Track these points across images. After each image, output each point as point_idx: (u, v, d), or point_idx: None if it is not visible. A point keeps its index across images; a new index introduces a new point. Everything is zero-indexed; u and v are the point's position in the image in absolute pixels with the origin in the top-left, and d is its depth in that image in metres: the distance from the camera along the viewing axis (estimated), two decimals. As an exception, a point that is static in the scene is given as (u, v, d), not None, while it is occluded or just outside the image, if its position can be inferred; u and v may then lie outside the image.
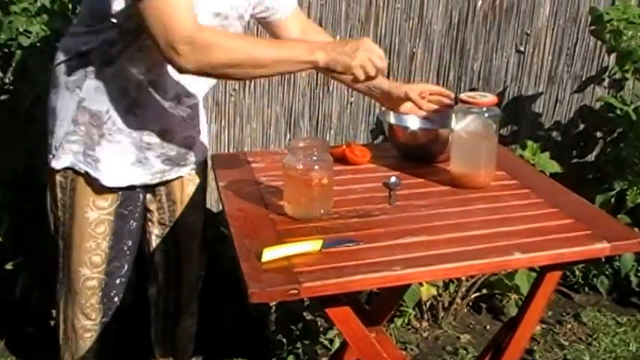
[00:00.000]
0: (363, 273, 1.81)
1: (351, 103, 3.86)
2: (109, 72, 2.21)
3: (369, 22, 3.76)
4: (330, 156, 2.16)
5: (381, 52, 2.15)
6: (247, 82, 3.62)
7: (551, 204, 2.27)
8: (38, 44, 2.95)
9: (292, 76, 3.72)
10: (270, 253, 1.83)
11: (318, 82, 3.79)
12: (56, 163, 2.30)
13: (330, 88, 3.79)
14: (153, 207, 2.55)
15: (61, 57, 2.29)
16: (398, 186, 2.34)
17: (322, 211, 2.13)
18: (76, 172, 2.29)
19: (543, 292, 2.17)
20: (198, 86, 2.36)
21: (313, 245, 1.90)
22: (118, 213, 2.37)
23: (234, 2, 2.29)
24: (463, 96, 2.36)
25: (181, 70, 2.05)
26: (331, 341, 3.36)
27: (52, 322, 3.45)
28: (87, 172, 2.27)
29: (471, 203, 2.28)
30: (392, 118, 2.70)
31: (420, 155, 2.61)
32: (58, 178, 2.33)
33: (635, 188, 3.76)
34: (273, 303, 3.32)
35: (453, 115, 2.37)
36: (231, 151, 3.71)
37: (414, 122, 2.70)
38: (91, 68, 2.22)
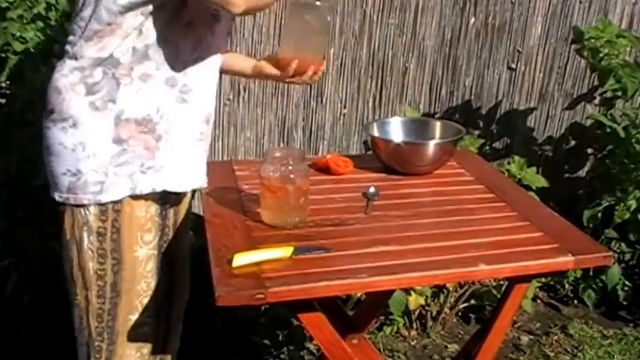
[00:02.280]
0: (329, 280, 1.87)
1: (344, 115, 3.93)
2: (149, 66, 2.09)
3: (363, 37, 3.82)
4: (306, 165, 2.21)
5: None
6: (242, 91, 3.71)
7: (523, 217, 2.32)
8: (32, 50, 2.99)
9: (286, 87, 3.78)
10: (241, 259, 1.89)
11: (312, 93, 3.85)
12: (108, 196, 2.10)
13: (324, 100, 3.86)
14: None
15: (73, 81, 2.08)
16: (376, 196, 2.41)
17: (297, 219, 2.18)
18: (125, 201, 2.12)
19: (511, 303, 2.20)
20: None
21: (284, 252, 1.96)
22: (159, 246, 2.27)
23: None
24: None
25: (238, 13, 1.99)
26: (319, 348, 3.41)
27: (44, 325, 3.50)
28: (153, 190, 2.15)
29: (445, 215, 2.34)
30: (375, 131, 2.77)
31: (402, 167, 2.67)
32: (95, 222, 2.13)
33: (622, 204, 3.81)
34: (263, 308, 3.38)
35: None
36: (224, 158, 3.76)
37: (397, 135, 2.77)
38: (121, 72, 2.07)
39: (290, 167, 2.15)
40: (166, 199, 2.27)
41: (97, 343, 2.25)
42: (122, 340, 2.26)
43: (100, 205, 2.11)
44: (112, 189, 2.10)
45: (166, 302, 2.51)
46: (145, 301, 2.26)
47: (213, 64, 2.25)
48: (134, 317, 2.25)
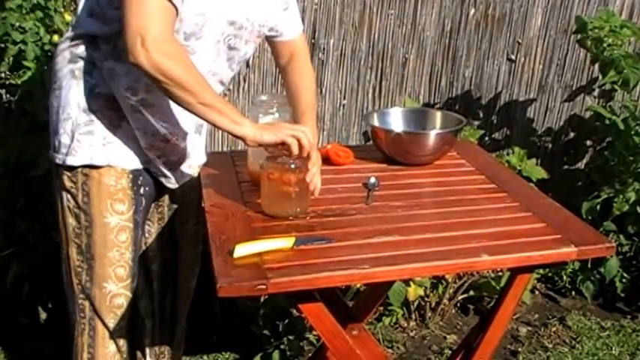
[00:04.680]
0: (331, 270, 1.87)
1: (343, 105, 3.92)
2: (120, 68, 2.14)
3: (363, 28, 3.81)
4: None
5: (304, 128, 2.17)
6: (242, 82, 3.70)
7: (525, 208, 2.32)
8: (31, 40, 2.99)
9: (286, 78, 3.77)
10: (242, 249, 1.89)
11: (312, 84, 3.83)
12: (73, 160, 2.18)
13: (323, 90, 3.85)
14: (154, 214, 2.51)
15: (63, 47, 2.22)
16: (377, 187, 2.40)
17: (298, 209, 2.18)
18: (94, 167, 2.19)
19: (513, 294, 2.20)
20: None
21: (285, 242, 1.95)
22: (134, 220, 2.30)
23: (251, 14, 2.27)
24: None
25: (134, 61, 1.95)
26: (318, 339, 3.41)
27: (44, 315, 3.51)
28: (108, 164, 2.20)
29: (446, 205, 2.34)
30: (375, 121, 2.76)
31: (402, 157, 2.66)
32: (67, 181, 2.23)
33: (621, 196, 3.81)
34: (262, 299, 3.38)
35: (250, 115, 2.33)
36: (225, 149, 3.76)
37: (397, 125, 2.76)
38: (98, 56, 2.16)
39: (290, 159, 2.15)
40: (138, 176, 2.30)
41: (80, 301, 2.33)
42: (100, 306, 2.31)
43: (70, 167, 2.20)
44: (75, 154, 2.18)
45: (169, 284, 2.58)
46: (120, 271, 2.29)
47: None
48: (108, 286, 2.29)
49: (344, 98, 3.91)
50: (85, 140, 2.17)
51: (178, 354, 2.77)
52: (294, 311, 3.30)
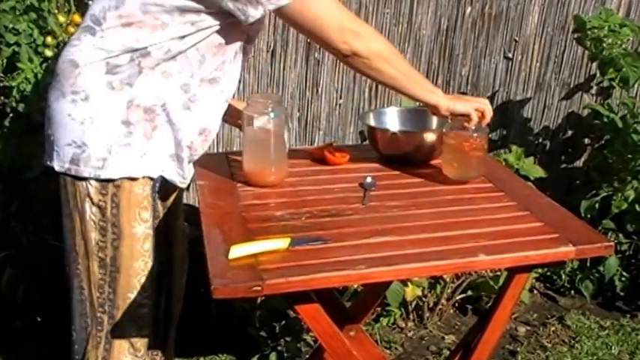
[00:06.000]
0: (327, 271, 1.85)
1: (339, 105, 3.91)
2: (173, 67, 2.17)
3: (359, 26, 3.79)
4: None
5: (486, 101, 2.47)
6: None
7: (522, 207, 2.30)
8: (25, 41, 2.98)
9: (281, 77, 3.78)
10: (237, 250, 1.87)
11: (307, 84, 3.84)
12: (109, 173, 2.16)
13: (319, 90, 3.84)
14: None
15: (97, 56, 2.14)
16: (373, 187, 2.39)
17: (476, 173, 2.46)
18: (128, 179, 2.18)
19: (512, 294, 2.18)
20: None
21: (281, 243, 1.93)
22: (152, 226, 2.28)
23: None
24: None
25: (351, 53, 2.19)
26: (316, 340, 3.40)
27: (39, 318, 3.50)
28: (145, 175, 2.21)
29: (443, 205, 2.32)
30: (372, 121, 2.75)
31: (399, 157, 2.64)
32: (95, 195, 2.19)
33: (620, 194, 3.80)
34: (259, 300, 3.37)
35: (245, 115, 2.37)
36: (220, 150, 3.75)
37: (393, 124, 2.75)
38: (147, 63, 2.14)
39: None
40: (156, 182, 2.28)
41: (98, 314, 2.29)
42: (122, 318, 2.29)
43: (100, 180, 2.17)
44: (113, 167, 2.15)
45: (164, 282, 2.53)
46: (143, 280, 2.28)
47: (225, 86, 2.30)
48: (133, 296, 2.27)
49: (340, 98, 3.90)
50: (124, 153, 2.16)
51: (171, 353, 2.74)
52: (291, 312, 3.29)
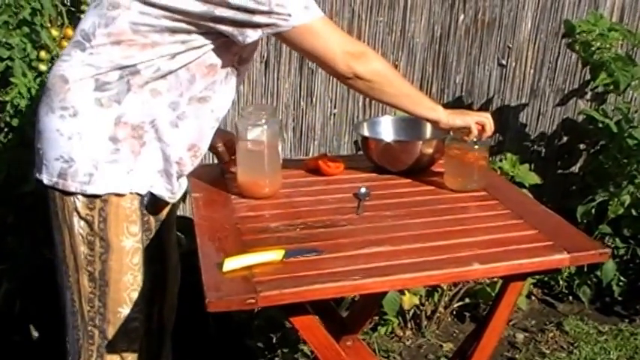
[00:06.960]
0: (322, 282, 1.85)
1: (334, 115, 3.91)
2: (162, 85, 2.18)
3: (352, 35, 3.75)
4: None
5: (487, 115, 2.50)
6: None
7: (516, 215, 2.30)
8: (18, 55, 2.98)
9: (275, 87, 3.78)
10: (231, 263, 1.87)
11: (302, 93, 3.84)
12: (95, 189, 2.16)
13: (314, 100, 3.84)
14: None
15: (86, 73, 2.14)
16: (367, 197, 2.39)
17: (476, 185, 2.48)
18: (115, 194, 2.19)
19: (507, 302, 2.18)
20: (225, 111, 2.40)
21: (275, 255, 1.93)
22: (142, 240, 2.28)
23: None
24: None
25: (353, 75, 2.25)
26: (313, 351, 3.40)
27: (36, 332, 3.48)
28: (131, 191, 2.20)
29: (437, 214, 2.32)
30: (365, 131, 2.75)
31: (393, 166, 2.65)
32: (83, 209, 2.19)
33: (616, 199, 3.80)
34: (256, 311, 3.36)
35: (238, 126, 2.39)
36: (215, 160, 3.73)
37: (387, 134, 2.75)
38: (136, 81, 2.14)
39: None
40: (144, 196, 2.28)
41: (89, 328, 2.30)
42: (113, 332, 2.30)
43: (87, 195, 2.18)
44: (99, 183, 2.16)
45: (157, 294, 2.51)
46: (133, 295, 2.28)
47: (216, 106, 2.30)
48: (123, 310, 2.28)
49: (334, 107, 3.90)
50: (110, 169, 2.16)
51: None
52: (288, 323, 3.28)
